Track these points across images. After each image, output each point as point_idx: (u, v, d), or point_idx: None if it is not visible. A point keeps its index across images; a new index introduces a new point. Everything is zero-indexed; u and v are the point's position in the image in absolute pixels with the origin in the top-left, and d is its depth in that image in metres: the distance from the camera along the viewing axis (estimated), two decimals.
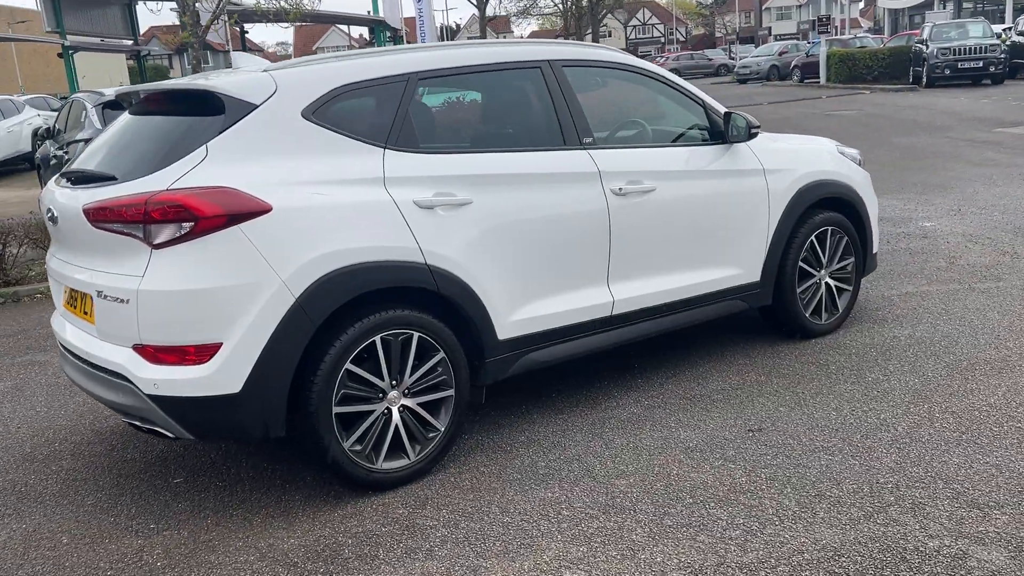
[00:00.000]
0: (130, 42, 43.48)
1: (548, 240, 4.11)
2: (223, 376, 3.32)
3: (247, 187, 3.37)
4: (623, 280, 4.40)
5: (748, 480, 3.60)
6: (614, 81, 4.83)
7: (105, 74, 48.60)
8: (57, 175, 4.07)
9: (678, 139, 4.83)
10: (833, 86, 29.59)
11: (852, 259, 5.38)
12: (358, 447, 3.62)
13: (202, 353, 3.31)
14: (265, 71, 3.71)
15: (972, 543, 3.02)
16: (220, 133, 3.46)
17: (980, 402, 4.19)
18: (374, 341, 3.60)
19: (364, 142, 3.70)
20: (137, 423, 3.60)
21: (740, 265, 4.87)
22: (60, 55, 39.22)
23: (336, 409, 3.53)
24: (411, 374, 3.73)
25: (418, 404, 3.78)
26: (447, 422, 3.85)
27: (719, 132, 4.80)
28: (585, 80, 4.53)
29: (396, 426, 3.71)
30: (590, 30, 54.56)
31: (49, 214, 3.84)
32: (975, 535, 3.07)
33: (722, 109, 4.83)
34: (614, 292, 4.36)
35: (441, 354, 3.79)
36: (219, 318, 3.31)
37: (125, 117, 4.06)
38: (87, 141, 10.10)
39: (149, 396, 3.36)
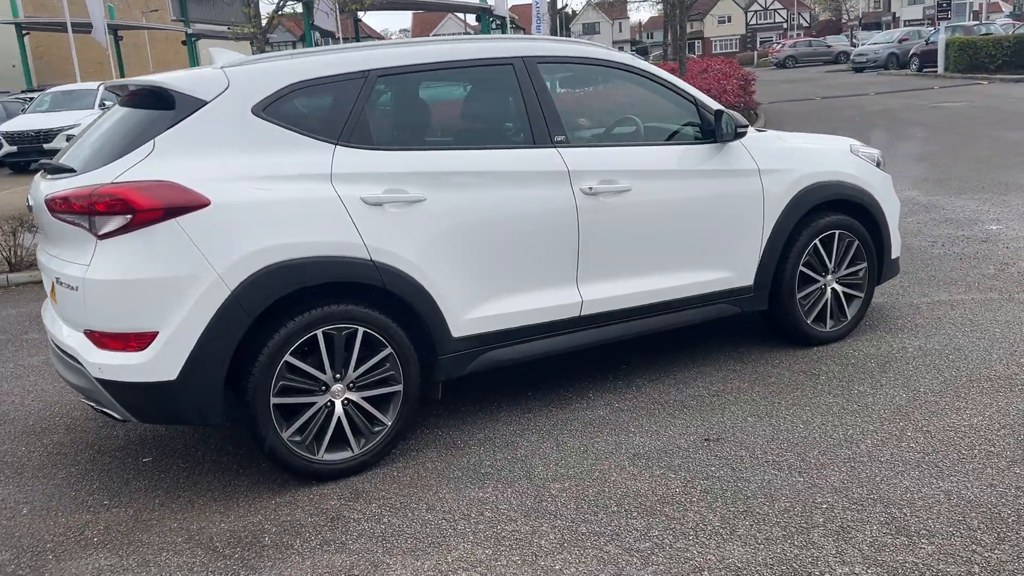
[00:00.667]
0: (252, 30, 45.11)
1: (510, 239, 4.09)
2: (159, 364, 3.45)
3: (187, 181, 3.48)
4: (594, 281, 4.34)
5: (682, 491, 3.51)
6: (602, 79, 4.75)
7: None
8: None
9: (664, 138, 4.71)
10: (951, 75, 28.14)
11: (864, 265, 5.14)
12: (297, 438, 3.70)
13: (140, 341, 3.45)
14: (222, 67, 3.81)
15: (882, 573, 2.86)
16: (169, 128, 3.59)
17: (961, 422, 3.95)
18: (316, 335, 3.67)
19: (315, 138, 3.76)
20: (92, 404, 3.78)
21: (730, 268, 4.72)
22: (184, 43, 41.10)
23: (274, 400, 3.62)
24: (356, 368, 3.78)
25: (363, 398, 3.83)
26: (394, 417, 3.90)
27: (712, 131, 4.65)
28: (565, 77, 4.47)
29: (339, 419, 3.77)
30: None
31: (28, 204, 4.06)
32: (890, 565, 2.91)
33: (715, 107, 4.68)
34: (583, 293, 4.30)
35: (389, 350, 3.83)
36: (155, 308, 3.43)
37: (112, 110, 4.24)
38: None
39: (97, 379, 3.53)
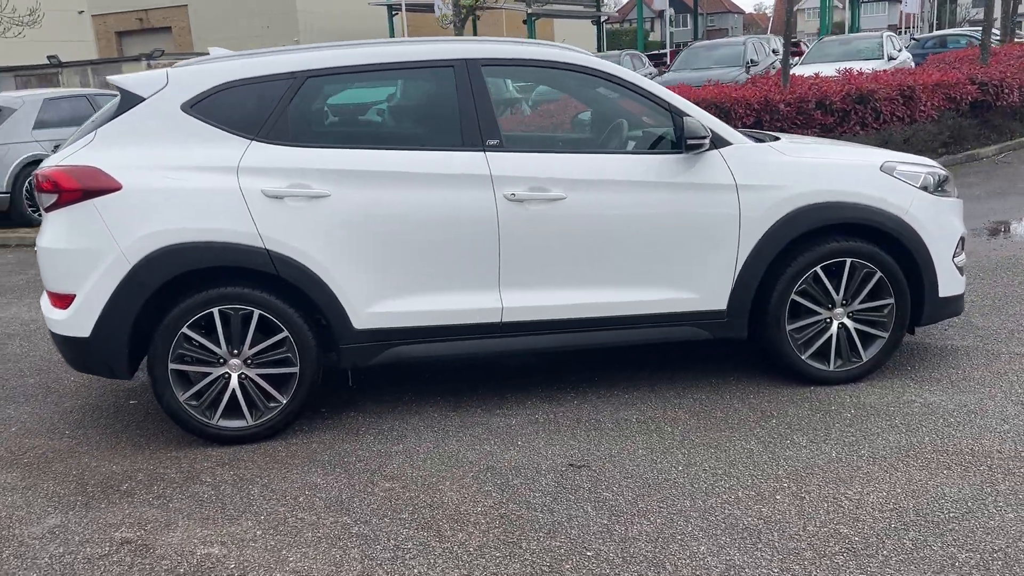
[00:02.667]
0: (592, 9, 46.50)
1: (422, 239, 4.16)
2: (76, 322, 4.04)
3: (107, 168, 4.00)
4: (519, 289, 4.27)
5: (484, 510, 3.44)
6: (565, 83, 4.58)
7: (580, 42, 52.46)
8: None
9: (625, 145, 4.44)
10: None
11: (890, 301, 4.47)
12: (194, 402, 4.13)
13: (65, 301, 4.06)
14: (172, 67, 4.28)
15: None
16: (109, 121, 4.14)
17: (852, 497, 3.41)
18: (212, 312, 4.05)
19: (234, 134, 4.11)
20: None
21: (695, 289, 4.37)
22: (524, 22, 43.28)
23: (172, 365, 4.07)
24: (251, 347, 4.12)
25: (259, 375, 4.16)
26: (289, 397, 4.18)
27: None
28: (515, 79, 4.40)
29: (234, 391, 4.14)
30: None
31: None
32: None
33: (691, 112, 4.32)
34: (505, 300, 4.26)
35: (285, 333, 4.12)
36: (73, 274, 4.02)
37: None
38: None
39: (51, 332, 4.21)
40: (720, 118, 4.91)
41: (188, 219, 4.00)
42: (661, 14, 61.63)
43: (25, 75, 27.32)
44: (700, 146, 4.21)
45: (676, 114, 4.33)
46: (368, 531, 3.34)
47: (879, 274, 4.45)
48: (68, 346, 4.13)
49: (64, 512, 3.63)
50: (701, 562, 3.01)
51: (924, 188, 4.52)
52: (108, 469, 4.03)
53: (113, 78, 4.28)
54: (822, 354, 4.52)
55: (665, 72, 20.72)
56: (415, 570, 3.06)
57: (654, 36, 69.05)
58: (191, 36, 46.43)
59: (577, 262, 4.29)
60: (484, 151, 4.19)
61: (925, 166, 4.64)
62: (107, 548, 3.32)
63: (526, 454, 3.93)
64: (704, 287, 4.38)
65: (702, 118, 4.35)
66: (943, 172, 4.72)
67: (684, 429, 4.10)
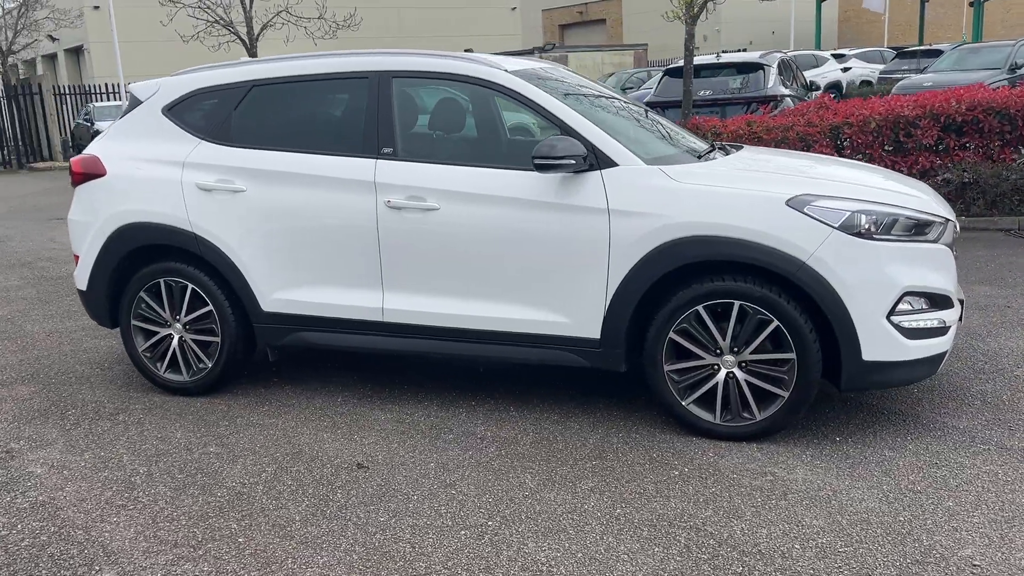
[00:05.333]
0: None
1: (318, 236, 4.56)
2: (79, 277, 5.11)
3: (103, 157, 4.99)
4: (397, 291, 4.48)
5: (214, 508, 3.82)
6: (473, 95, 4.58)
7: None
8: None
9: (513, 160, 4.34)
10: None
11: (791, 356, 3.90)
12: (148, 353, 4.99)
13: (76, 260, 5.15)
14: (173, 76, 5.13)
15: None
16: (120, 119, 5.13)
17: (543, 560, 3.20)
18: (158, 284, 4.87)
19: (191, 134, 4.86)
20: None
21: (565, 314, 4.21)
22: (971, 3, 38.82)
23: (134, 322, 4.97)
24: (186, 315, 4.86)
25: (192, 340, 4.89)
26: (213, 361, 4.86)
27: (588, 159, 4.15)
28: (425, 91, 4.56)
29: (174, 350, 4.93)
30: None
31: None
32: None
33: (583, 132, 4.14)
34: (386, 301, 4.50)
35: (209, 307, 4.81)
36: (78, 239, 5.08)
37: None
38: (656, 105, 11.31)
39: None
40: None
41: (143, 203, 4.84)
42: None
43: None
44: (547, 167, 4.03)
45: (566, 133, 4.18)
46: (118, 500, 3.90)
47: (776, 323, 3.88)
48: (81, 298, 5.22)
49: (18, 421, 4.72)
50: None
51: (849, 229, 3.81)
52: (76, 397, 5.05)
53: (130, 86, 5.26)
54: (709, 403, 4.07)
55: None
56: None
57: None
58: (622, 28, 48.73)
59: (451, 272, 4.37)
60: (376, 159, 4.45)
61: (868, 202, 3.89)
62: None
63: (336, 448, 4.16)
64: (576, 313, 4.19)
65: (591, 136, 4.14)
66: (909, 213, 3.91)
67: (512, 453, 4.03)
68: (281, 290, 4.67)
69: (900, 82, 17.20)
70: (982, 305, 6.03)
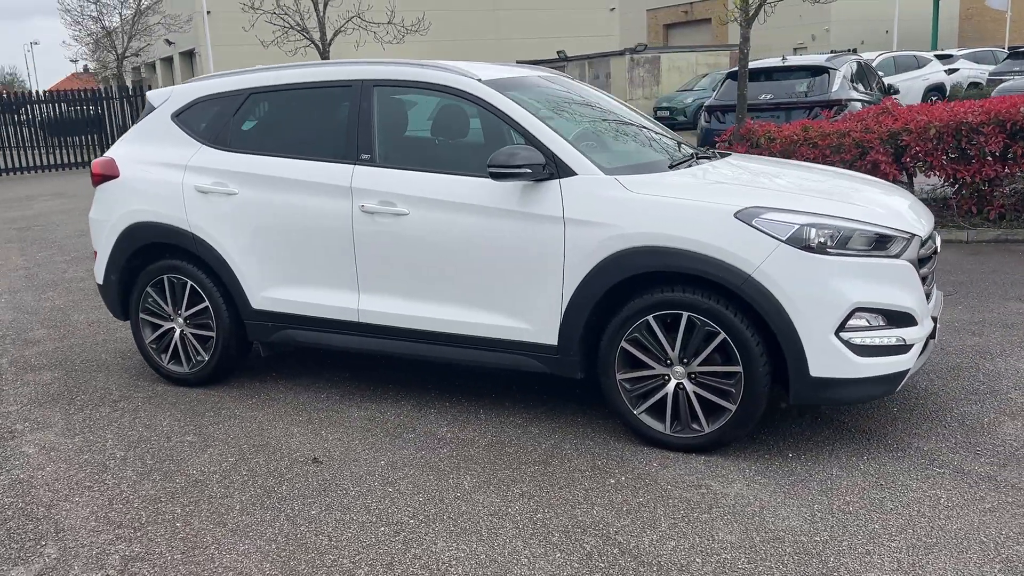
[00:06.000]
0: None
1: (300, 237, 4.76)
2: (97, 272, 5.46)
3: (119, 160, 5.32)
4: (372, 293, 4.63)
5: (135, 477, 4.05)
6: (445, 104, 4.68)
7: None
8: None
9: (478, 168, 4.40)
10: None
11: (738, 369, 3.87)
12: (154, 345, 5.30)
13: (95, 255, 5.50)
14: (184, 83, 5.41)
15: None
16: (137, 124, 5.45)
17: (443, 560, 3.30)
18: (162, 280, 5.17)
19: (196, 139, 5.13)
20: None
21: (526, 320, 4.28)
22: None
23: (142, 315, 5.29)
24: (186, 310, 5.14)
25: (191, 333, 5.17)
26: (209, 355, 5.12)
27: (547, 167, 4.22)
28: (403, 100, 4.69)
29: (176, 343, 5.22)
30: None
31: None
32: None
33: (545, 141, 4.20)
34: (361, 302, 4.66)
35: (206, 303, 5.07)
36: (96, 236, 5.43)
37: None
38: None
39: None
40: None
41: (149, 203, 5.13)
42: None
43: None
44: (501, 176, 4.10)
45: (529, 141, 4.25)
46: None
47: (723, 335, 3.86)
48: (99, 291, 5.58)
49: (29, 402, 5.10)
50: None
51: (796, 242, 3.75)
52: (90, 384, 5.40)
53: (148, 93, 5.57)
54: (659, 413, 4.07)
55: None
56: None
57: None
58: (726, 28, 47.84)
59: (420, 276, 4.49)
60: (355, 164, 4.61)
61: (821, 216, 3.81)
62: None
63: (298, 444, 4.34)
64: (535, 319, 4.25)
65: (553, 145, 4.19)
66: (866, 227, 3.82)
67: (462, 455, 4.13)
68: (269, 289, 4.88)
69: (1002, 84, 16.40)
70: (1009, 323, 5.77)
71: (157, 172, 5.16)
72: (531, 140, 4.24)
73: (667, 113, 24.08)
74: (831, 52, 19.45)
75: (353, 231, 4.57)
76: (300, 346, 5.05)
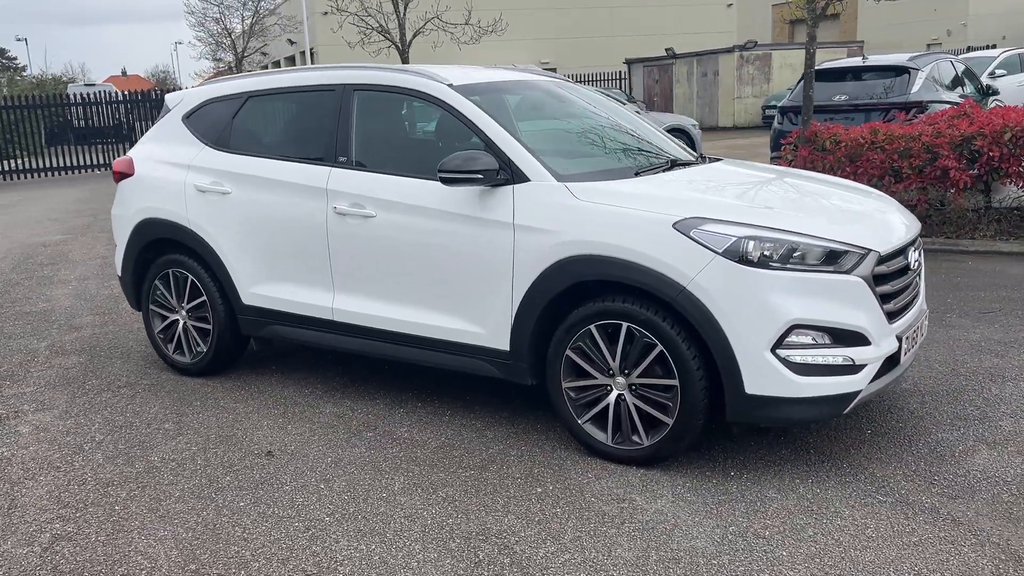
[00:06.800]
0: None
1: (283, 237, 4.92)
2: (116, 263, 5.79)
3: (136, 159, 5.63)
4: (344, 292, 4.75)
5: (75, 475, 4.26)
6: (416, 108, 4.72)
7: None
8: None
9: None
10: None
11: (675, 383, 3.79)
12: (162, 336, 5.58)
13: (117, 248, 5.84)
14: (196, 87, 5.66)
15: None
16: (155, 124, 5.75)
17: (324, 561, 3.38)
18: (167, 273, 5.44)
19: (200, 140, 5.37)
20: None
21: (481, 324, 4.30)
22: None
23: (150, 306, 5.58)
24: (188, 303, 5.40)
25: (192, 326, 5.42)
26: (207, 345, 5.36)
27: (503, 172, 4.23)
28: (379, 104, 4.78)
29: (179, 335, 5.48)
30: None
31: None
32: None
33: (503, 147, 4.21)
34: (336, 301, 4.78)
35: (203, 297, 5.31)
36: (116, 230, 5.75)
37: None
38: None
39: None
40: None
41: (157, 200, 5.41)
42: None
43: (650, 65, 30.93)
44: (450, 181, 4.12)
45: (488, 147, 4.26)
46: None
47: (660, 347, 3.78)
48: (120, 283, 5.91)
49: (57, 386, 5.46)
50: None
51: (733, 255, 3.63)
52: (106, 370, 5.73)
53: (167, 95, 5.86)
54: (603, 424, 4.02)
55: None
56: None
57: None
58: (856, 23, 46.08)
59: (387, 277, 4.57)
60: (332, 167, 4.73)
61: (763, 228, 3.67)
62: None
63: (257, 435, 4.49)
64: (489, 324, 4.26)
65: (510, 151, 4.19)
66: (812, 242, 3.66)
67: (409, 456, 4.19)
68: (257, 286, 5.07)
69: None
70: None
71: (165, 171, 5.42)
72: (490, 145, 4.25)
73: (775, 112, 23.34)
74: (967, 48, 18.35)
75: (327, 232, 4.69)
76: (286, 341, 5.21)
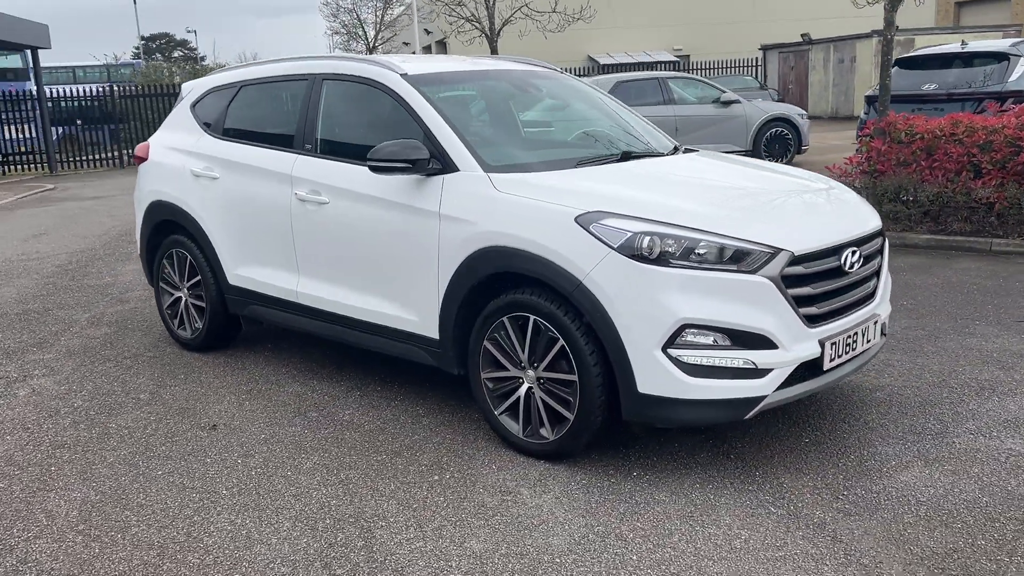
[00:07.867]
0: None
1: (259, 221, 5.12)
2: (137, 240, 6.19)
3: (152, 145, 5.99)
4: (306, 276, 4.91)
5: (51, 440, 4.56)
6: (376, 97, 4.76)
7: None
8: None
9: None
10: None
11: (574, 378, 3.75)
12: (169, 311, 5.93)
13: (135, 227, 6.23)
14: (204, 77, 5.95)
15: None
16: (172, 112, 6.09)
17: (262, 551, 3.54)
18: (172, 252, 5.77)
19: (202, 127, 5.66)
20: None
21: (415, 311, 4.36)
22: None
23: (160, 284, 5.94)
24: (187, 281, 5.71)
25: (192, 304, 5.73)
26: (202, 321, 5.66)
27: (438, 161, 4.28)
28: (342, 92, 4.88)
29: (181, 310, 5.81)
30: None
31: None
32: None
33: (438, 136, 4.25)
34: (300, 284, 4.96)
35: (199, 277, 5.60)
36: (136, 212, 6.14)
37: None
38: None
39: None
40: None
41: (163, 184, 5.74)
42: None
43: (785, 52, 29.82)
44: (378, 169, 4.17)
45: (427, 137, 4.31)
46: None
47: (561, 342, 3.74)
48: (140, 261, 6.31)
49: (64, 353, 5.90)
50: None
51: (627, 250, 3.53)
52: (124, 342, 6.13)
53: (183, 84, 6.17)
54: (516, 416, 4.01)
55: None
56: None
57: None
58: None
59: (338, 262, 4.69)
60: (298, 154, 4.90)
61: (662, 224, 3.55)
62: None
63: (211, 411, 4.72)
64: (422, 311, 4.32)
65: (445, 141, 4.22)
66: (715, 239, 3.51)
67: (338, 439, 4.31)
68: (239, 267, 5.31)
69: None
70: None
71: (172, 157, 5.74)
72: (427, 135, 4.29)
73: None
74: None
75: (291, 216, 4.86)
76: (265, 322, 5.44)
